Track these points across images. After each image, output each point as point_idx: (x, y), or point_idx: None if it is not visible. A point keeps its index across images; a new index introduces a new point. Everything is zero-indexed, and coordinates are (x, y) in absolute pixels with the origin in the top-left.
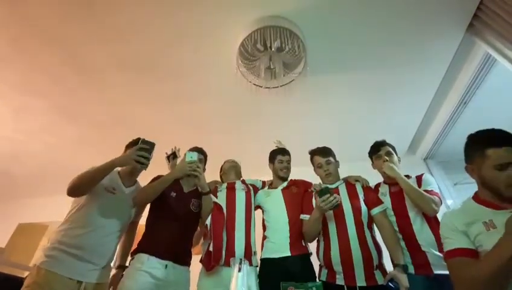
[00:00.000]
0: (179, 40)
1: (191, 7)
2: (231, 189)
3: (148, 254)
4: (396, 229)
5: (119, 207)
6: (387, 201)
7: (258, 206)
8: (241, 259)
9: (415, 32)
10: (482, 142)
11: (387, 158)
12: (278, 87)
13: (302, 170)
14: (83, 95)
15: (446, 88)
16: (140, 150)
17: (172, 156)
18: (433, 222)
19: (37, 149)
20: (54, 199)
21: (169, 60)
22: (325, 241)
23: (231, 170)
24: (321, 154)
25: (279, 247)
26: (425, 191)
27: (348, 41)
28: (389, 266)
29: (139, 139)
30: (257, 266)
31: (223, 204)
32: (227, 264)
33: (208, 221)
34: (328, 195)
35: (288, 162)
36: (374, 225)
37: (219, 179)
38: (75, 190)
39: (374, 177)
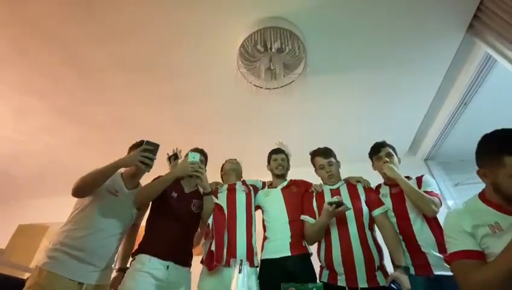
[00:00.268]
0: (179, 40)
1: (191, 7)
2: (232, 190)
3: (149, 255)
4: (397, 230)
5: (121, 209)
6: (388, 202)
7: (258, 207)
8: (241, 260)
9: (415, 33)
10: (499, 147)
11: (387, 159)
12: (278, 88)
13: (303, 171)
14: (83, 95)
15: (446, 89)
16: (145, 151)
17: (174, 157)
18: (433, 223)
19: (37, 149)
20: (54, 200)
21: (169, 60)
22: (326, 242)
23: (232, 172)
24: (323, 156)
25: (280, 247)
26: (426, 192)
27: (348, 42)
28: (389, 267)
29: (142, 141)
30: (257, 267)
31: (224, 205)
32: (228, 264)
33: (210, 220)
34: (343, 207)
35: (283, 159)
36: (375, 225)
37: (219, 180)
38: (79, 191)
39: (374, 178)
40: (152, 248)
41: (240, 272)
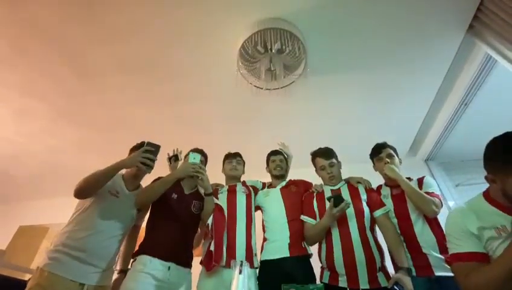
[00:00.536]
0: (179, 40)
1: (191, 7)
2: (232, 192)
3: (150, 256)
4: (398, 231)
5: (122, 210)
6: (389, 203)
7: (257, 207)
8: (241, 261)
9: (415, 33)
10: (503, 158)
11: (388, 160)
12: (278, 88)
13: (303, 171)
14: (83, 96)
15: (447, 89)
16: (146, 152)
17: (174, 158)
18: (434, 224)
19: (37, 151)
20: (54, 202)
21: (169, 60)
22: (327, 243)
23: (232, 178)
24: (324, 157)
25: (279, 248)
26: (426, 193)
27: (348, 42)
28: (389, 268)
29: (143, 142)
30: (257, 268)
31: (224, 206)
32: (228, 265)
33: (210, 220)
34: (343, 204)
35: (281, 160)
36: (376, 226)
37: (219, 180)
38: (81, 192)
39: (374, 179)
40: (153, 249)
41: (240, 273)
